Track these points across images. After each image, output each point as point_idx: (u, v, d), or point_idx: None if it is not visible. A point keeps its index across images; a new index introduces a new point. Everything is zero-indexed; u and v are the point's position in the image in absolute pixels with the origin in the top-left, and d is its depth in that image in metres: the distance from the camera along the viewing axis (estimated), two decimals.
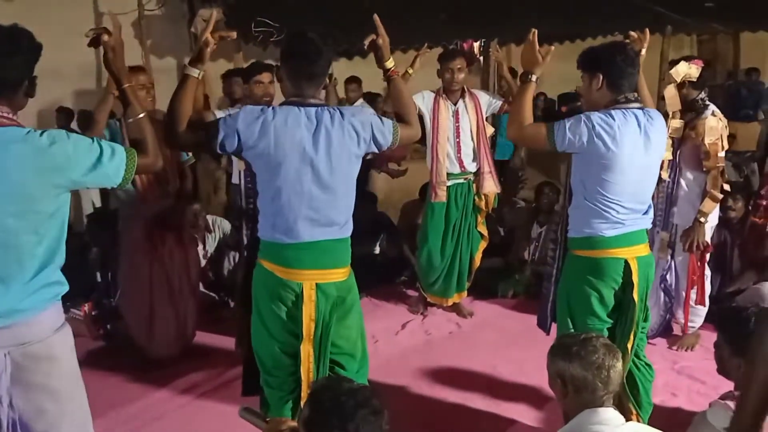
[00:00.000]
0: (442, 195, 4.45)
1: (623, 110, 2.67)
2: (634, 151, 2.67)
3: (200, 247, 5.06)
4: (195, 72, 2.41)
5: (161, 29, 7.63)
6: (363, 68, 7.73)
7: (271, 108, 2.42)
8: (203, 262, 5.07)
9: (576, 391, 2.04)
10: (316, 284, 2.46)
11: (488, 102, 4.50)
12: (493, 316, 4.82)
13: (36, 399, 2.01)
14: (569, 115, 2.73)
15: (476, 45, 7.98)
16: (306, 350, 2.50)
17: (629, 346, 2.83)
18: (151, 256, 3.89)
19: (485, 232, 4.71)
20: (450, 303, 4.72)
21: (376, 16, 2.64)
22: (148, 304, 3.91)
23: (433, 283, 4.65)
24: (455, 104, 4.40)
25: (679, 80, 3.69)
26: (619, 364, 2.07)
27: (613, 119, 2.63)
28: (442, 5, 8.50)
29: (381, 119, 2.58)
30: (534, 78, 2.69)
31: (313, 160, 2.39)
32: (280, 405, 2.60)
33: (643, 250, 2.84)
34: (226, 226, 5.15)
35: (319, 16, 7.61)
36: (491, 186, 4.52)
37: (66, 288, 2.06)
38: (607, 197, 2.70)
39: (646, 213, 2.84)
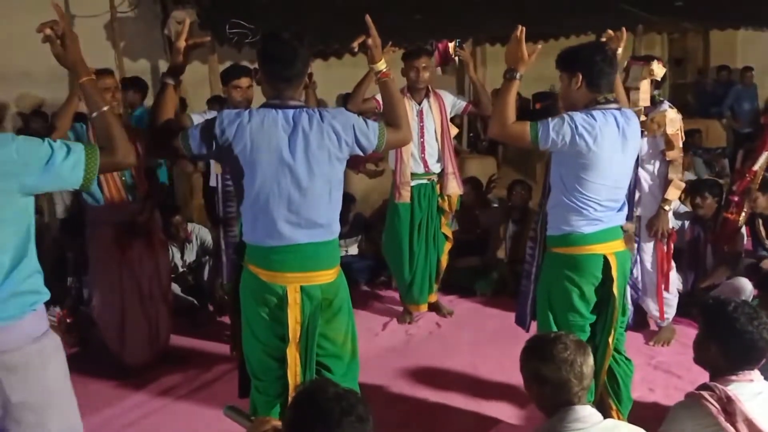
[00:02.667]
0: (406, 195, 4.42)
1: (603, 111, 2.70)
2: (612, 151, 2.71)
3: (178, 257, 5.03)
4: (172, 81, 2.41)
5: (134, 31, 7.54)
6: (338, 69, 7.74)
7: (247, 111, 2.41)
8: (181, 270, 5.03)
9: (552, 390, 2.05)
10: (301, 287, 2.44)
11: (452, 102, 4.49)
12: (472, 314, 4.84)
13: (14, 411, 1.96)
14: (544, 111, 2.76)
15: (451, 45, 8.01)
16: (292, 354, 2.48)
17: (610, 341, 2.86)
18: (120, 261, 3.83)
19: (449, 234, 4.71)
20: (424, 309, 4.69)
21: (368, 17, 2.61)
22: (119, 310, 3.87)
23: (407, 288, 4.61)
24: (419, 104, 4.37)
25: (659, 78, 3.80)
26: (590, 359, 2.08)
27: (595, 120, 2.66)
28: (416, 5, 8.51)
29: (365, 121, 2.55)
30: (518, 76, 2.70)
31: (290, 163, 2.38)
32: (267, 409, 2.58)
33: (620, 245, 2.88)
34: (205, 234, 5.12)
35: (293, 17, 7.58)
36: (454, 187, 4.51)
37: (45, 296, 2.01)
38: (586, 195, 2.73)
39: (620, 209, 2.88)
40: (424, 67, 4.28)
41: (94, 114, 2.07)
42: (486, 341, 4.30)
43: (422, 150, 4.40)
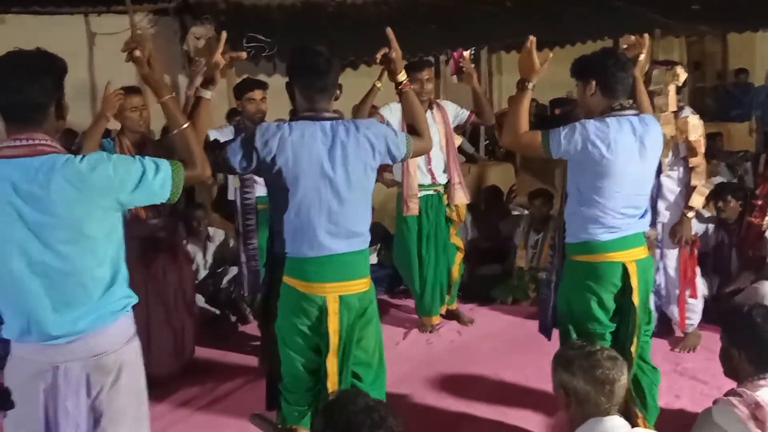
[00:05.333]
0: (414, 208, 4.41)
1: (618, 117, 2.69)
2: (628, 159, 2.69)
3: (200, 257, 5.08)
4: (207, 94, 2.44)
5: (153, 47, 7.65)
6: (353, 80, 7.78)
7: (286, 124, 2.44)
8: (203, 273, 5.07)
9: (579, 403, 2.04)
10: (339, 296, 2.47)
11: (455, 113, 4.50)
12: (493, 323, 4.81)
13: (107, 409, 2.01)
14: (563, 117, 2.76)
15: (466, 53, 8.01)
16: (332, 363, 2.50)
17: (633, 350, 2.83)
18: (145, 275, 3.85)
19: (460, 244, 4.70)
20: (437, 321, 4.67)
21: (389, 30, 2.65)
22: (144, 323, 3.88)
23: (419, 299, 4.60)
24: None
25: (680, 83, 3.77)
26: (624, 378, 2.07)
27: (608, 127, 2.65)
28: (431, 16, 8.55)
29: (395, 131, 2.61)
30: (530, 85, 2.71)
31: (330, 175, 2.41)
32: (297, 420, 2.60)
33: (640, 252, 2.85)
34: (221, 235, 5.19)
35: (308, 30, 7.66)
36: (461, 197, 4.50)
37: (135, 299, 2.08)
38: (602, 203, 2.72)
39: (642, 217, 2.86)
40: (427, 79, 4.29)
41: (175, 131, 2.12)
42: (508, 349, 4.27)
43: (428, 161, 4.40)
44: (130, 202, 1.99)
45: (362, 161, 2.47)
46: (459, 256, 4.67)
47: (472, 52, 8.01)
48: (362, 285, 2.54)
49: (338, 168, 2.42)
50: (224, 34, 2.53)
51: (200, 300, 4.76)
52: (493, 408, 3.54)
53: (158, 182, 1.98)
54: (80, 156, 1.90)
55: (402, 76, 2.71)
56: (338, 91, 3.52)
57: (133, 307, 3.92)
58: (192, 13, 7.79)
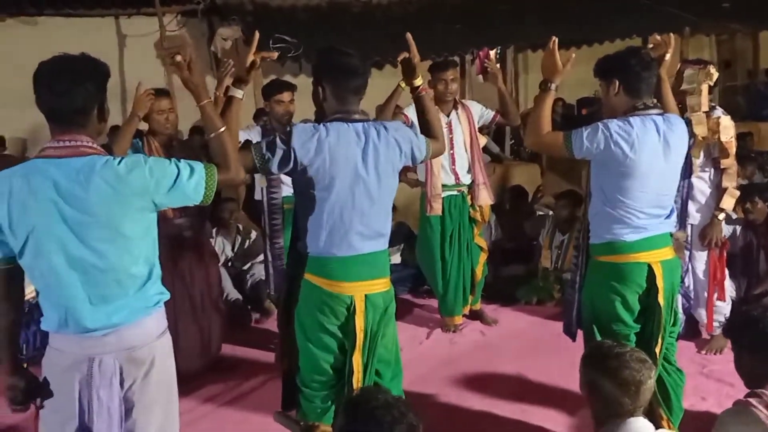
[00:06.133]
0: (437, 208, 4.42)
1: (642, 117, 2.68)
2: (653, 158, 2.67)
3: (228, 249, 5.19)
4: (239, 93, 2.45)
5: (194, 52, 7.76)
6: (378, 80, 7.80)
7: (322, 125, 2.46)
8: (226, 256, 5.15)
9: (605, 404, 2.04)
10: (365, 295, 2.51)
11: (480, 113, 4.49)
12: (517, 323, 4.81)
13: (138, 401, 2.08)
14: (590, 117, 2.76)
15: (492, 53, 8.00)
16: (357, 361, 2.54)
17: (657, 351, 2.81)
18: (172, 273, 3.89)
19: (484, 245, 4.69)
20: (459, 321, 4.67)
21: (409, 35, 2.68)
22: (172, 321, 3.91)
23: (442, 299, 4.61)
24: (448, 116, 4.37)
25: (712, 83, 3.73)
26: (651, 381, 2.07)
27: (632, 126, 2.64)
28: (457, 15, 8.53)
29: (416, 134, 2.65)
30: (553, 86, 2.71)
31: (363, 176, 2.45)
32: (319, 418, 2.62)
33: (667, 253, 2.83)
34: (251, 232, 5.30)
35: (333, 31, 7.69)
36: (486, 197, 4.50)
37: (167, 296, 2.14)
38: (627, 203, 2.71)
39: (668, 217, 2.84)
40: (452, 79, 4.30)
41: (212, 134, 2.15)
42: (531, 350, 4.26)
43: (452, 161, 4.41)
44: (165, 204, 2.04)
45: (391, 163, 2.52)
46: (483, 257, 4.67)
47: (498, 51, 7.99)
48: (386, 284, 2.59)
49: (371, 169, 2.46)
50: (257, 34, 2.54)
51: (227, 282, 4.85)
52: (516, 407, 3.54)
53: (192, 184, 2.03)
54: (119, 158, 1.97)
55: (419, 81, 2.75)
56: None
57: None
58: (219, 14, 7.87)
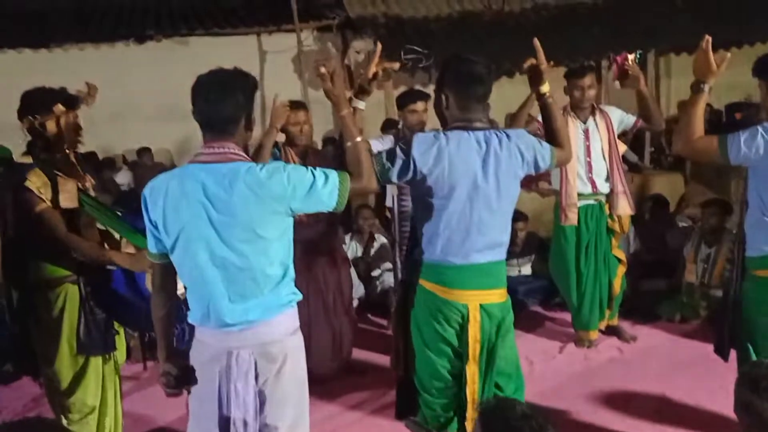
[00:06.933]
0: (573, 218, 4.25)
1: None
2: None
3: (360, 251, 5.35)
4: (361, 104, 2.54)
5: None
6: (509, 88, 7.70)
7: (442, 134, 2.47)
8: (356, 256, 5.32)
9: (761, 428, 1.87)
10: (480, 305, 2.49)
11: (620, 118, 4.28)
12: (658, 341, 4.54)
13: (271, 396, 2.19)
14: (744, 121, 2.56)
15: (631, 57, 7.67)
16: (471, 371, 2.52)
17: None
18: (306, 276, 4.04)
19: (622, 257, 4.45)
20: (594, 336, 4.46)
21: (536, 41, 2.63)
22: (305, 323, 4.05)
23: (576, 313, 4.43)
24: (585, 122, 4.20)
25: None
26: None
27: None
28: (592, 19, 8.26)
29: (541, 142, 2.59)
30: (707, 88, 2.54)
31: (483, 185, 2.43)
32: (443, 428, 2.63)
33: None
34: (383, 240, 5.41)
35: (464, 40, 7.69)
36: (625, 207, 4.27)
37: (299, 296, 2.25)
38: None
39: None
40: (588, 86, 4.15)
41: (349, 143, 2.23)
42: (674, 369, 4.00)
43: (589, 170, 4.24)
44: (301, 209, 2.12)
45: (512, 171, 2.48)
46: (621, 270, 4.45)
47: (638, 55, 7.65)
48: (502, 295, 2.56)
49: (491, 178, 2.43)
50: (379, 45, 2.61)
51: (355, 277, 4.97)
52: (658, 430, 3.34)
53: (326, 192, 2.11)
54: (261, 165, 2.09)
55: (545, 88, 2.67)
56: None
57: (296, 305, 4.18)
58: (353, 28, 8.12)
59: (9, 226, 2.84)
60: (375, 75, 2.54)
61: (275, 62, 8.16)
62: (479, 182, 2.43)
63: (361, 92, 2.54)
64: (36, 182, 2.69)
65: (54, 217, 2.71)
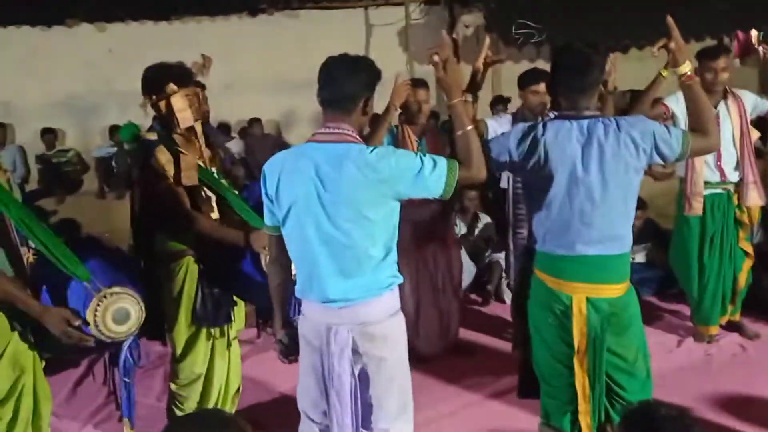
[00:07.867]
0: (698, 207, 4.02)
1: None
2: None
3: (464, 231, 5.40)
4: (470, 97, 2.61)
5: (423, 36, 8.01)
6: (623, 64, 7.38)
7: (541, 123, 2.46)
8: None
9: None
10: (587, 298, 2.43)
11: (754, 103, 4.02)
12: None
13: (375, 377, 2.25)
14: None
15: (754, 34, 7.20)
16: (578, 363, 2.49)
17: None
18: (417, 258, 4.05)
19: (750, 250, 4.20)
20: (715, 332, 4.25)
21: (669, 18, 2.49)
22: (414, 302, 4.09)
23: (696, 307, 4.23)
24: (716, 107, 3.90)
25: None
26: None
27: None
28: None
29: (667, 128, 2.44)
30: None
31: (582, 175, 2.37)
32: (558, 414, 2.63)
33: None
34: (487, 219, 5.40)
35: (578, 15, 7.40)
36: (755, 198, 4.02)
37: (400, 279, 2.28)
38: None
39: None
40: (722, 69, 3.88)
41: (459, 132, 2.23)
42: None
43: (718, 157, 4.00)
44: (406, 194, 2.15)
45: (623, 162, 2.37)
46: (747, 263, 4.22)
47: (762, 34, 7.14)
48: (616, 290, 2.48)
49: (592, 168, 2.36)
50: (487, 40, 2.65)
51: (467, 259, 5.02)
52: None
53: (434, 178, 2.12)
54: (372, 147, 2.14)
55: (685, 67, 2.51)
56: (602, 87, 3.31)
57: (403, 287, 4.20)
58: (461, 1, 7.97)
59: (137, 201, 3.00)
60: (485, 68, 2.56)
61: (381, 36, 8.16)
62: (579, 173, 2.36)
63: (471, 86, 2.58)
64: (161, 159, 2.80)
65: (177, 194, 2.82)
